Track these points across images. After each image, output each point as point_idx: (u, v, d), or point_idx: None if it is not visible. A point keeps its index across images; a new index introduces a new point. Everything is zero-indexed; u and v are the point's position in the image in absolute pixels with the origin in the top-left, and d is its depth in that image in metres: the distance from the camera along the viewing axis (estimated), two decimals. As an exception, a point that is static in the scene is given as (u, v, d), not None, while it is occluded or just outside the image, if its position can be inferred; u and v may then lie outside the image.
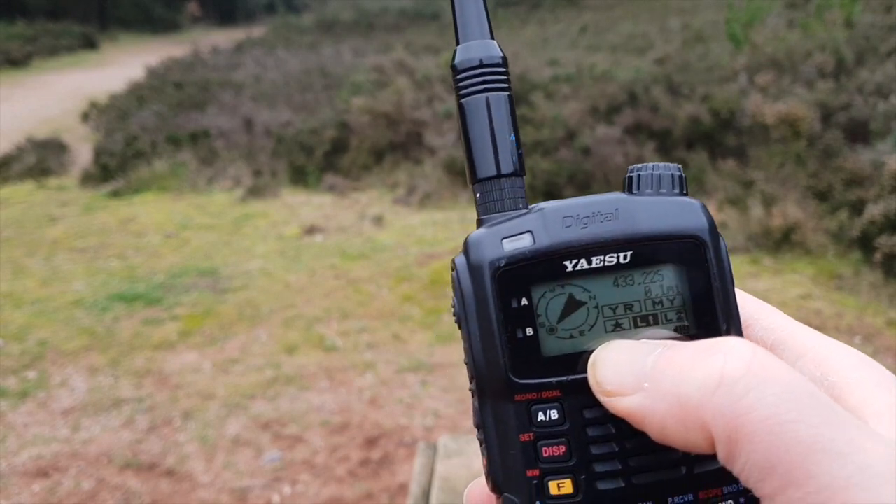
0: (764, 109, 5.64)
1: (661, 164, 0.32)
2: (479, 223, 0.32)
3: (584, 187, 5.80)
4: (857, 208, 4.50)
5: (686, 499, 0.30)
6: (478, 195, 0.32)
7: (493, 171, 0.32)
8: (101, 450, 3.14)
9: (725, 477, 0.29)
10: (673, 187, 0.31)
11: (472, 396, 0.31)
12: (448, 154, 6.76)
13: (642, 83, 6.99)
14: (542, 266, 0.30)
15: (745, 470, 0.25)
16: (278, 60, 15.71)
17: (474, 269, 0.30)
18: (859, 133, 5.75)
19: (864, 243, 4.33)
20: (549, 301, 0.30)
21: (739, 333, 0.31)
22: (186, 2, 38.83)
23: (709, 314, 0.30)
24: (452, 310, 0.32)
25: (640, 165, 0.32)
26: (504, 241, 0.30)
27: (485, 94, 0.32)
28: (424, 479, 1.82)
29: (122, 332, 4.24)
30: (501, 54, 0.32)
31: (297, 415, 3.33)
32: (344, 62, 13.94)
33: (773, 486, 0.24)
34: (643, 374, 0.27)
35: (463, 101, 0.32)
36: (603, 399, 0.29)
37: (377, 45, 16.23)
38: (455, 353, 3.82)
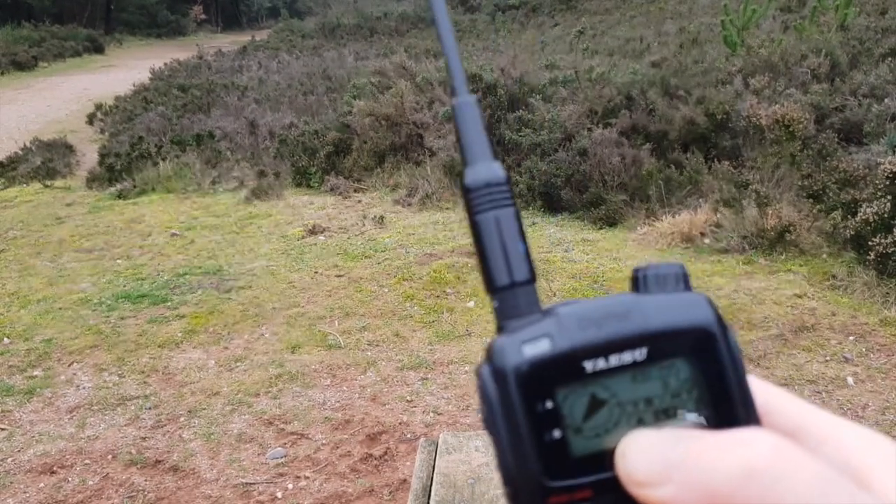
0: (759, 111, 5.65)
1: (664, 263, 0.33)
2: (500, 329, 0.33)
3: (581, 188, 5.85)
4: (851, 209, 4.50)
5: None
6: (495, 304, 0.33)
7: (507, 280, 0.33)
8: (106, 447, 3.15)
9: None
10: (677, 284, 0.32)
11: (507, 501, 0.31)
12: (448, 156, 6.81)
13: (639, 86, 7.00)
14: (563, 368, 0.30)
15: None
16: (281, 64, 15.80)
17: (498, 375, 0.30)
18: (853, 135, 5.78)
19: (858, 243, 4.33)
20: (572, 402, 0.30)
21: (758, 421, 0.31)
22: (191, 6, 38.90)
23: (726, 403, 0.31)
24: (480, 416, 0.32)
25: (644, 266, 0.33)
26: (524, 345, 0.30)
27: (493, 212, 0.34)
28: (425, 475, 1.85)
29: (127, 331, 4.26)
30: (504, 174, 0.35)
31: (300, 411, 3.34)
32: (346, 65, 14.02)
33: None
34: (672, 465, 0.27)
35: (476, 217, 0.34)
36: (633, 490, 0.28)
37: (378, 49, 16.34)
38: (454, 350, 3.87)
